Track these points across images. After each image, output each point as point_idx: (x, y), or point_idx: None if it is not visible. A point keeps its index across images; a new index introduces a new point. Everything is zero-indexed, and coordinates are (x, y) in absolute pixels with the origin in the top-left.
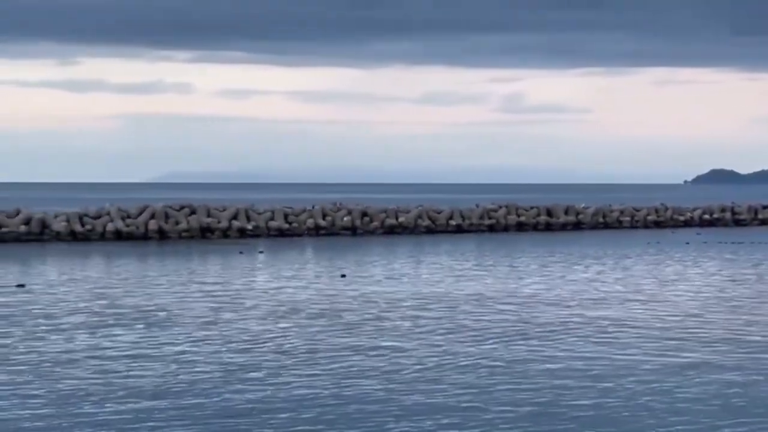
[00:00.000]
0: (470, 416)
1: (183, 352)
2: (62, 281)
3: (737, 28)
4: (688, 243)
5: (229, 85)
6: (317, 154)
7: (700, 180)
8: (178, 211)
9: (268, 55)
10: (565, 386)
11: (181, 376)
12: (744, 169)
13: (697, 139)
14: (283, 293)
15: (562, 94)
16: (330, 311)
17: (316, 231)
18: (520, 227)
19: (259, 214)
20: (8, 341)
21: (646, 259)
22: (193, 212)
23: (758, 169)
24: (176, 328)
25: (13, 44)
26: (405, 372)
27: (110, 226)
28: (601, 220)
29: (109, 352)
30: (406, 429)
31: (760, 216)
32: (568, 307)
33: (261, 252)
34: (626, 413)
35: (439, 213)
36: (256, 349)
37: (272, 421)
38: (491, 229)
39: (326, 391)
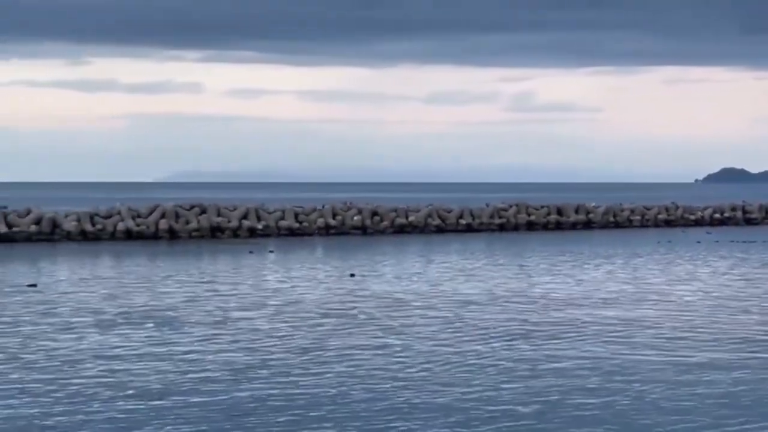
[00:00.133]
0: (477, 415)
1: (192, 351)
2: (73, 281)
3: (746, 27)
4: (699, 242)
5: (238, 85)
6: (327, 153)
7: (711, 179)
8: (188, 210)
9: (278, 54)
10: (573, 385)
11: (189, 375)
12: (755, 167)
13: (708, 137)
14: (292, 292)
15: (572, 93)
16: (339, 310)
17: (326, 230)
18: (531, 226)
19: (270, 213)
20: (18, 340)
21: (657, 258)
22: (203, 212)
23: None
24: (186, 328)
25: (23, 44)
26: (413, 371)
27: (121, 226)
28: (611, 219)
29: (118, 351)
30: (414, 428)
31: None
32: (578, 306)
33: (271, 251)
34: (634, 412)
35: (449, 212)
36: (264, 348)
37: (280, 419)
38: (501, 228)
39: (334, 390)
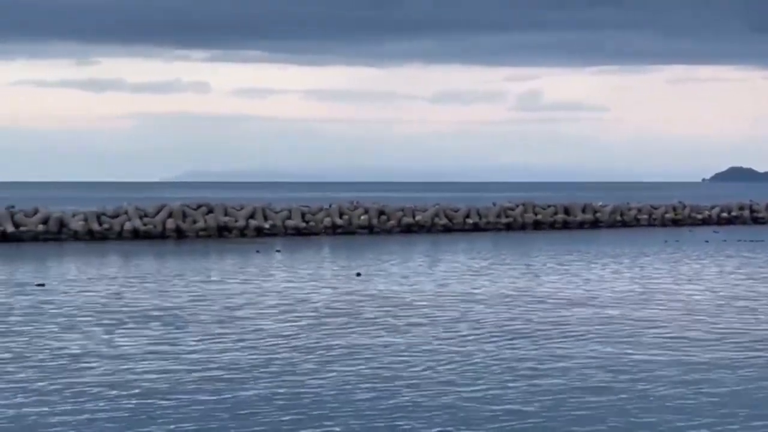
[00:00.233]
0: (482, 413)
1: (198, 350)
2: (80, 280)
3: (755, 25)
4: (707, 241)
5: (245, 85)
6: (334, 153)
7: (718, 178)
8: (195, 210)
9: (284, 54)
10: (579, 384)
11: (195, 374)
12: (762, 167)
13: (715, 136)
14: (299, 292)
15: (578, 93)
16: (345, 310)
17: (333, 230)
18: (537, 226)
19: (276, 213)
20: (25, 339)
21: (664, 257)
22: (210, 211)
23: None
24: (192, 327)
25: (30, 44)
26: (419, 370)
27: (128, 225)
28: (618, 218)
29: (124, 350)
30: (419, 426)
31: None
32: (585, 305)
33: (278, 251)
34: (640, 411)
35: (456, 211)
36: (270, 347)
37: (285, 418)
38: (508, 227)
39: (339, 389)
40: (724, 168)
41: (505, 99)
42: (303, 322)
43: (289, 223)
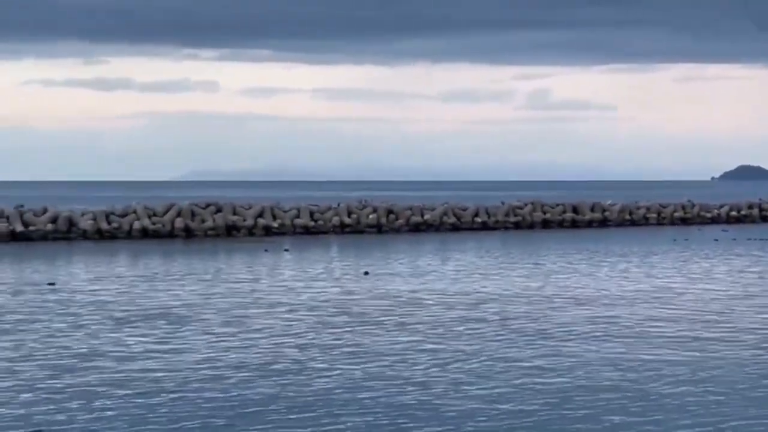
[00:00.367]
0: (489, 412)
1: (205, 349)
2: (90, 279)
3: (763, 24)
4: (716, 240)
5: (254, 84)
6: (343, 151)
7: (727, 176)
8: (204, 209)
9: (293, 53)
10: (587, 382)
11: (202, 372)
12: None
13: (724, 135)
14: (307, 291)
15: (587, 91)
16: (353, 309)
17: (342, 229)
18: (546, 224)
19: (285, 212)
20: (34, 337)
21: (673, 256)
22: (218, 210)
23: None
24: (200, 326)
25: (39, 44)
26: (424, 368)
27: (137, 224)
28: (627, 217)
29: (133, 349)
30: (422, 425)
31: None
32: (593, 304)
33: (286, 250)
34: (649, 409)
35: (464, 210)
36: (278, 346)
37: (291, 417)
38: (517, 226)
39: (345, 388)
40: (733, 166)
41: (513, 98)
42: (310, 321)
43: (298, 222)
